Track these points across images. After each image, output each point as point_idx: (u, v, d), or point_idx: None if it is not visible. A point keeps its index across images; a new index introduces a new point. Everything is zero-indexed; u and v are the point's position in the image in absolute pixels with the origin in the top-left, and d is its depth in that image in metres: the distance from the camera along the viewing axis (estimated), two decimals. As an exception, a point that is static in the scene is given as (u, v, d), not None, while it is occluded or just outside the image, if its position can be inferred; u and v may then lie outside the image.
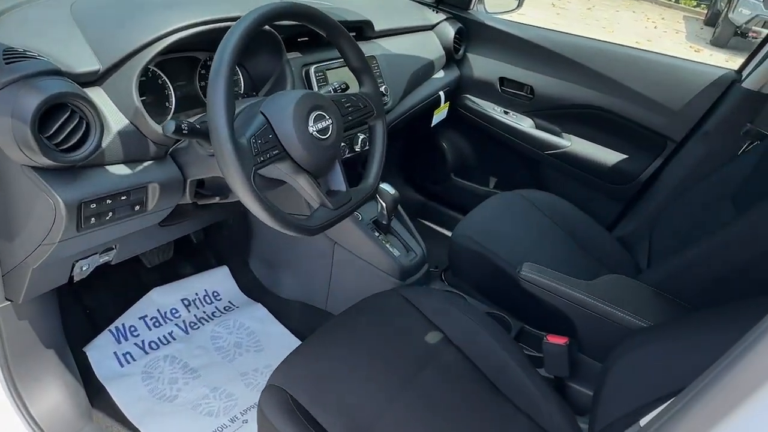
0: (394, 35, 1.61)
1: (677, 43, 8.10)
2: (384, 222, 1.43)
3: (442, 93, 1.78)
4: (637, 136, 1.69)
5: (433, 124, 1.85)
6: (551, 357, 1.15)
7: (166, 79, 1.05)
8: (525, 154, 1.90)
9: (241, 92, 1.19)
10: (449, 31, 1.80)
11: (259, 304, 1.65)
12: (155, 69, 1.03)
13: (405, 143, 2.17)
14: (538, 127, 1.87)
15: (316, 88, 1.22)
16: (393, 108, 1.51)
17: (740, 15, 7.63)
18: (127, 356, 1.40)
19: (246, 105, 0.93)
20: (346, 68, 1.09)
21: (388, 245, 1.42)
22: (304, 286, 1.61)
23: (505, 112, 1.90)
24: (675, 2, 10.74)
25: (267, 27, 1.07)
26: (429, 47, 1.74)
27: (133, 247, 1.18)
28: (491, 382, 1.04)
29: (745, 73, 1.51)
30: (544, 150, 1.84)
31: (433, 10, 1.85)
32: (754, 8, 7.46)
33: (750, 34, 7.68)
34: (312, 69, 1.24)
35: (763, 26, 7.41)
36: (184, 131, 0.81)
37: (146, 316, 1.51)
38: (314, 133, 0.91)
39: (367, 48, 1.45)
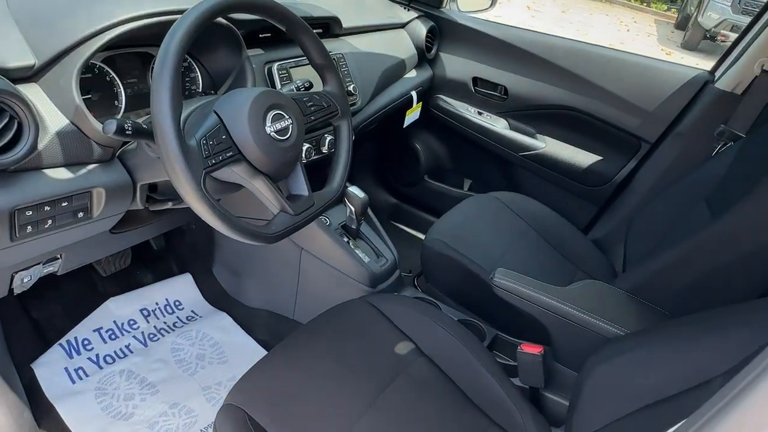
0: (364, 33, 1.55)
1: (649, 46, 8.22)
2: (353, 227, 1.37)
3: (414, 93, 1.73)
4: (612, 137, 1.67)
5: (405, 125, 1.80)
6: (526, 366, 1.11)
7: (115, 76, 0.98)
8: (499, 156, 1.86)
9: (200, 90, 1.12)
10: (421, 29, 1.76)
11: (224, 313, 1.58)
12: (102, 65, 0.96)
13: (377, 144, 2.12)
14: (512, 128, 1.83)
15: (279, 87, 1.16)
16: (362, 108, 1.46)
17: (709, 19, 7.78)
18: (80, 372, 1.32)
19: (199, 104, 0.87)
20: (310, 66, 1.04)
21: (357, 251, 1.36)
22: (270, 295, 1.54)
23: (479, 113, 1.87)
24: (647, 6, 10.93)
25: (223, 21, 1.00)
26: (400, 46, 1.69)
27: (82, 256, 1.10)
28: (464, 393, 0.99)
29: (717, 74, 1.50)
30: (518, 151, 1.80)
31: (405, 8, 1.80)
32: (722, 12, 7.61)
33: (719, 38, 7.83)
34: (275, 67, 1.18)
35: (731, 30, 7.56)
36: (127, 131, 0.74)
37: (101, 328, 1.42)
38: (272, 133, 0.85)
39: (335, 46, 1.39)
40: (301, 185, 0.96)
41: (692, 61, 7.57)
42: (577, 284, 1.19)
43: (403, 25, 1.74)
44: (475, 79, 1.84)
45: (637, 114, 1.60)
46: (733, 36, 7.60)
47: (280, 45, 1.24)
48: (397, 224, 2.16)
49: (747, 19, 7.49)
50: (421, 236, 2.11)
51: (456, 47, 1.85)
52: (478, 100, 1.86)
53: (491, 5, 1.94)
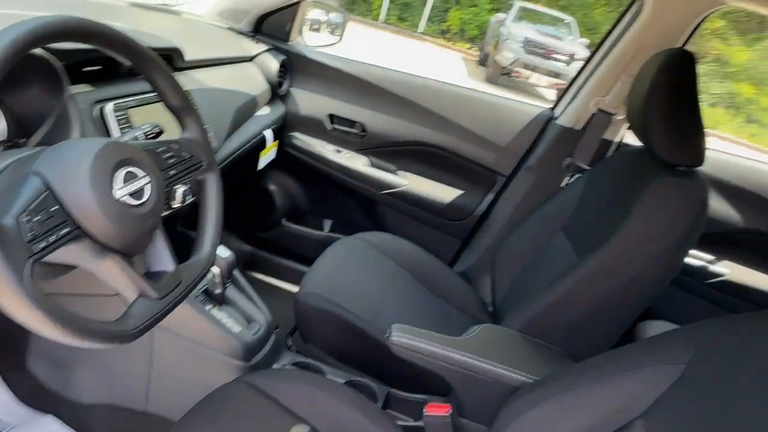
0: (210, 66, 1.37)
1: (461, 81, 9.09)
2: (218, 291, 1.16)
3: (268, 132, 1.58)
4: (470, 172, 1.71)
5: (260, 167, 1.64)
6: (434, 429, 1.02)
7: None
8: (362, 194, 1.80)
9: (6, 139, 0.84)
10: (272, 63, 1.62)
11: (50, 416, 1.23)
12: None
13: (226, 189, 1.90)
14: (373, 165, 1.78)
15: (117, 134, 0.93)
16: (217, 151, 1.27)
17: (504, 58, 8.90)
18: None
19: (8, 162, 0.63)
20: (158, 105, 0.84)
21: (224, 320, 1.16)
22: (112, 385, 1.24)
23: (338, 151, 1.78)
24: (453, 44, 12.13)
25: (38, 51, 0.77)
26: (250, 81, 1.53)
27: None
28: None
29: (557, 112, 1.62)
30: (381, 189, 1.75)
31: (252, 40, 1.65)
32: (515, 52, 8.76)
33: (513, 74, 8.97)
34: (109, 107, 0.94)
35: (524, 68, 8.72)
36: None
37: None
38: (124, 198, 0.65)
39: (179, 81, 1.19)
40: (163, 258, 0.76)
41: (496, 93, 8.54)
42: (474, 330, 1.15)
43: (251, 58, 1.59)
44: (331, 116, 1.76)
45: (491, 149, 1.67)
46: (527, 73, 8.82)
47: (113, 79, 1.00)
48: (254, 274, 1.95)
49: (535, 59, 8.75)
50: (282, 284, 1.94)
51: (309, 83, 1.75)
52: (335, 137, 1.78)
53: (339, 39, 1.89)
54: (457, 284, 1.56)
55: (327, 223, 1.95)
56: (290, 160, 1.80)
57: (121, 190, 0.64)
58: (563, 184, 1.57)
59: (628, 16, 1.45)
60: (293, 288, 1.91)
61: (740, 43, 11.10)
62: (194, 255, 0.83)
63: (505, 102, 1.69)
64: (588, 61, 1.56)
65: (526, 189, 1.65)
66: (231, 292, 1.23)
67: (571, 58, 8.63)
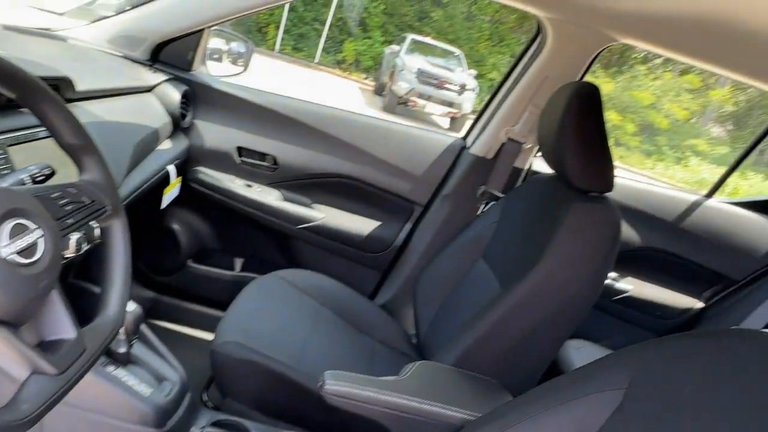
0: (103, 98, 1.23)
1: (360, 109, 9.20)
2: (122, 350, 1.02)
3: (171, 167, 1.46)
4: (388, 203, 1.69)
5: (163, 206, 1.50)
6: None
7: None
8: (275, 230, 1.71)
9: None
10: (173, 94, 1.50)
11: None
12: None
13: None
14: (286, 199, 1.70)
15: (-6, 177, 0.79)
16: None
17: (400, 87, 9.20)
18: None
19: None
20: (46, 142, 0.73)
21: (131, 382, 1.01)
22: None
23: (248, 185, 1.68)
24: (348, 74, 12.33)
25: None
26: (150, 113, 1.41)
27: None
28: None
29: (469, 141, 1.66)
30: (295, 224, 1.68)
31: (149, 69, 1.52)
32: (410, 82, 9.09)
33: (410, 104, 9.29)
34: (-19, 146, 0.80)
35: (419, 97, 9.06)
36: None
37: None
38: (11, 256, 0.54)
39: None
40: (61, 323, 0.64)
41: (397, 121, 8.77)
42: (408, 370, 1.10)
43: (150, 89, 1.46)
44: (239, 149, 1.66)
45: (406, 179, 1.66)
46: (422, 102, 9.17)
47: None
48: (158, 323, 1.77)
49: (429, 89, 9.15)
50: (193, 332, 1.78)
51: (215, 114, 1.65)
52: (245, 171, 1.68)
53: (244, 69, 1.80)
54: (379, 318, 1.52)
55: (238, 262, 1.83)
56: (196, 196, 1.67)
57: (7, 248, 0.53)
58: (479, 212, 1.60)
59: (532, 49, 1.53)
60: (205, 335, 1.76)
61: (604, 76, 12.44)
62: (99, 315, 0.71)
63: (418, 132, 1.70)
64: (496, 92, 1.62)
65: (443, 218, 1.66)
66: (137, 349, 1.09)
67: (462, 88, 9.13)
